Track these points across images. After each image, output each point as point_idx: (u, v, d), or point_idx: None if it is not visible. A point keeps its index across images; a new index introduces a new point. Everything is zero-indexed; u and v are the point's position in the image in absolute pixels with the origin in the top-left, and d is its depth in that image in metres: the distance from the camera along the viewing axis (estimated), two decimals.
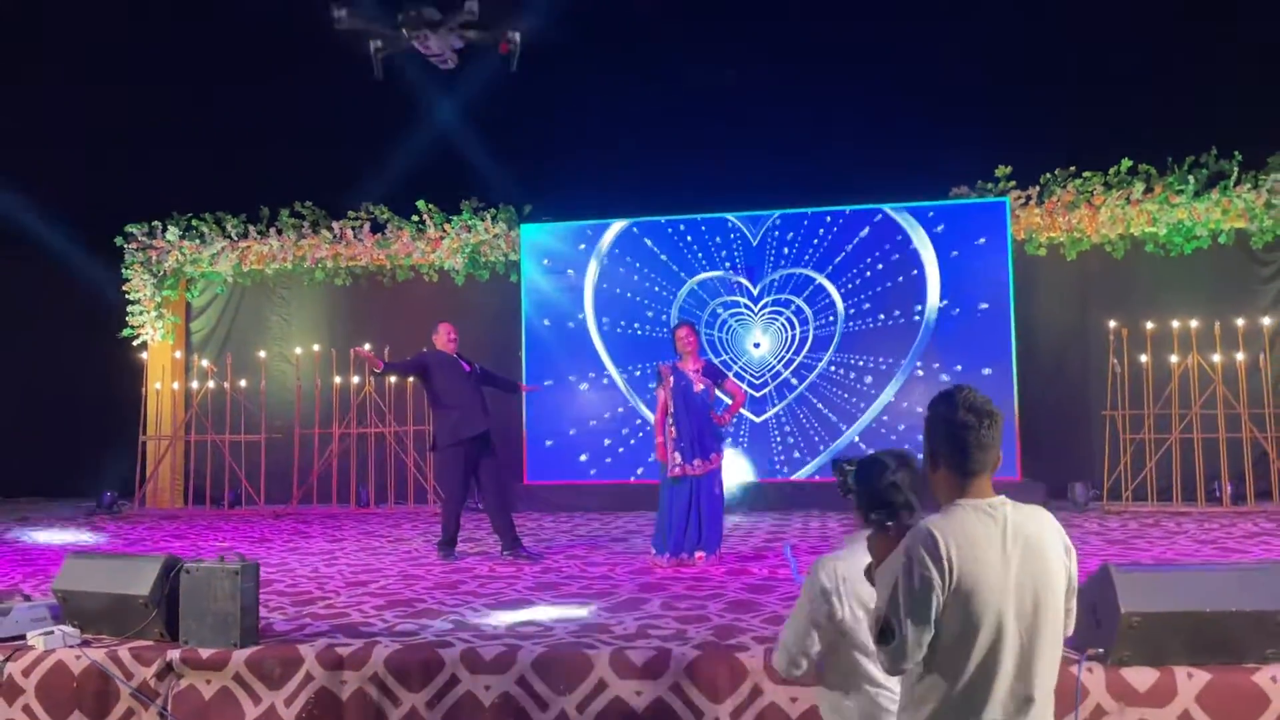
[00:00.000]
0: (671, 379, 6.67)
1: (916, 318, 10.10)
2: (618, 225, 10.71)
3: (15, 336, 12.09)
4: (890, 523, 2.49)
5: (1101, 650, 3.74)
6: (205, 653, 4.19)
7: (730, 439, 6.84)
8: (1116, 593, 3.68)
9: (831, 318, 10.26)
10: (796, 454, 10.20)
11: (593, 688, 3.94)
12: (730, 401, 6.93)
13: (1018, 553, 2.16)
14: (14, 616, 4.55)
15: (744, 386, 8.78)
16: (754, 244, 10.43)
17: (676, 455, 6.54)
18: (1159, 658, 3.70)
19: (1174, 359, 9.31)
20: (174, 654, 4.21)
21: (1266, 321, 9.53)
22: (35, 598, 4.90)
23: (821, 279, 10.25)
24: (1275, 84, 9.48)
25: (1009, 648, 2.13)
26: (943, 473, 2.28)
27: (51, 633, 4.39)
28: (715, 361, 8.52)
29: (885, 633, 2.16)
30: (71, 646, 4.35)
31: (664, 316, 10.48)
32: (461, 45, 6.55)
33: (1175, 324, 9.38)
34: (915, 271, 10.12)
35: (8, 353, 12.09)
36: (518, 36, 6.50)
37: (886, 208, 10.21)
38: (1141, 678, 3.67)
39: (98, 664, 4.23)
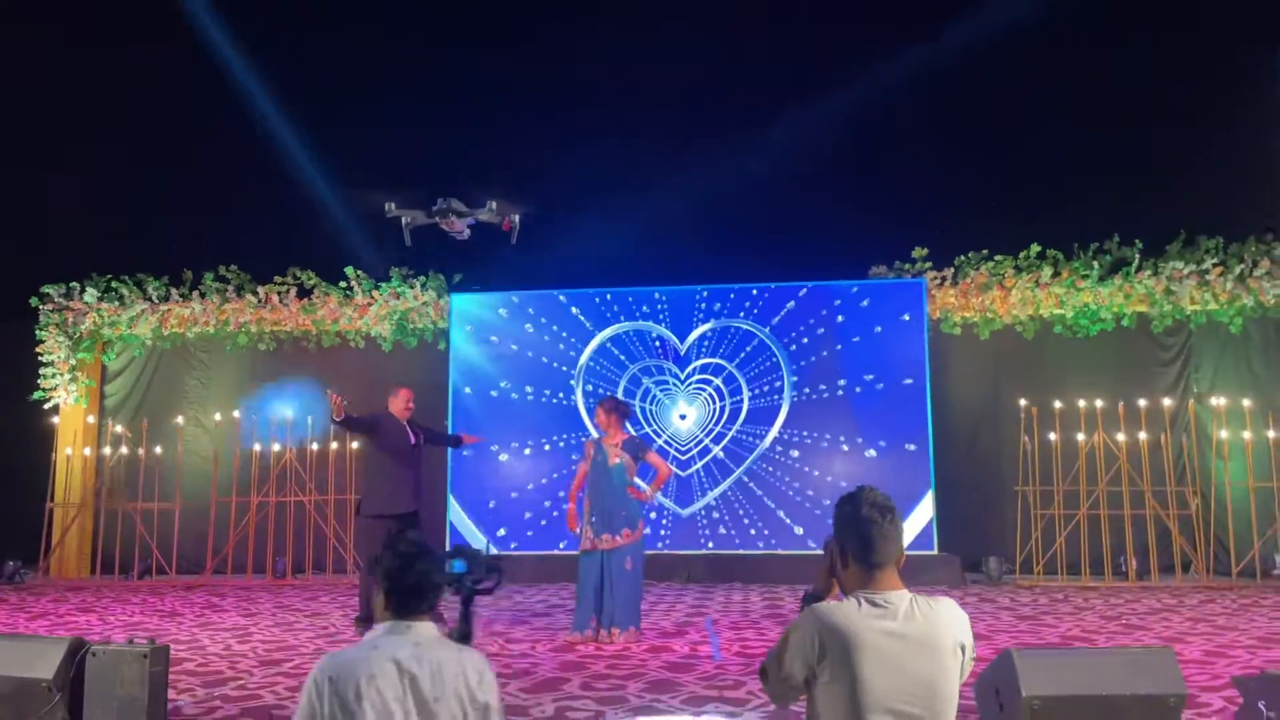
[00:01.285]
0: (592, 452, 6.80)
1: (840, 392, 10.32)
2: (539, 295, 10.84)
3: None
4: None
5: None
6: None
7: (644, 519, 6.91)
8: (1018, 677, 3.81)
9: (758, 390, 10.43)
10: (722, 530, 10.28)
11: None
12: (657, 472, 7.03)
13: (909, 648, 2.27)
14: None
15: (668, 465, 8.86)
16: (679, 315, 10.59)
17: (588, 529, 6.62)
18: None
19: (1081, 437, 9.66)
20: None
21: (1167, 402, 9.96)
22: None
23: (763, 335, 10.43)
24: (1173, 179, 10.06)
25: None
26: (851, 567, 2.42)
27: None
28: (637, 436, 8.61)
29: (762, 673, 2.48)
30: None
31: (585, 386, 10.56)
32: (475, 224, 8.02)
33: (1082, 403, 9.76)
34: (839, 346, 10.37)
35: None
36: (518, 218, 7.90)
37: (810, 284, 10.48)
38: None
39: None
